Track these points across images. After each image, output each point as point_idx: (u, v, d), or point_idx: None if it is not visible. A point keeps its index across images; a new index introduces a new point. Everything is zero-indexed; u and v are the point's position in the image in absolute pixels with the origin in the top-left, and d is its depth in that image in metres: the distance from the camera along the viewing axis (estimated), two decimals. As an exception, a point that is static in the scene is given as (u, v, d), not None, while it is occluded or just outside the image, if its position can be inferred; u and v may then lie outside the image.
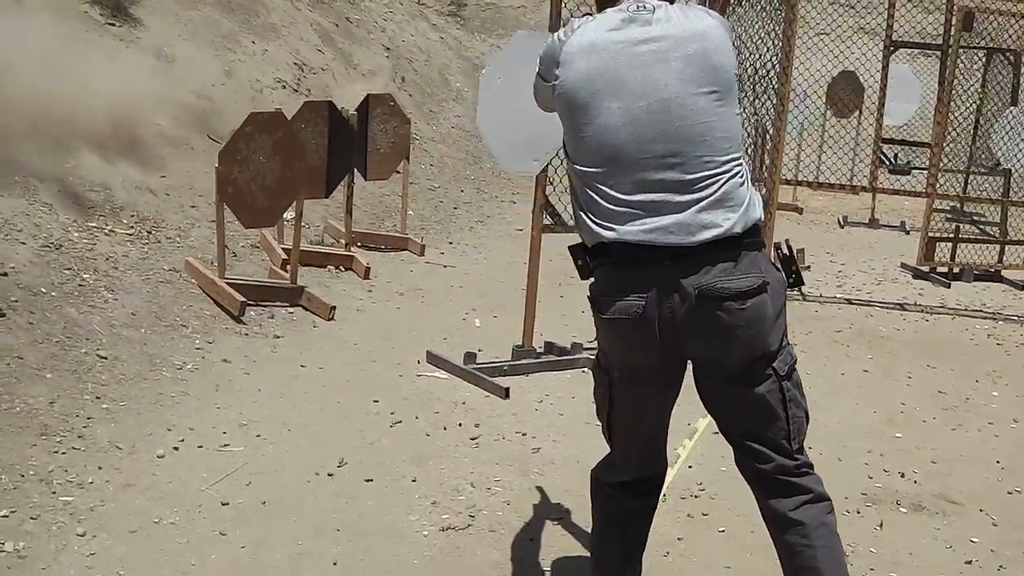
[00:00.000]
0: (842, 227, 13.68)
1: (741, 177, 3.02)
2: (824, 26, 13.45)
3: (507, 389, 5.94)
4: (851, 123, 14.77)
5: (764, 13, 7.29)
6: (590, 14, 3.24)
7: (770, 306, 3.04)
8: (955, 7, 8.90)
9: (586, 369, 6.51)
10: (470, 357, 6.28)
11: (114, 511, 4.29)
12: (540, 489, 4.83)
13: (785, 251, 3.19)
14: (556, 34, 3.19)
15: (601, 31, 3.04)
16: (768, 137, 8.23)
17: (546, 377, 6.40)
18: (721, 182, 2.97)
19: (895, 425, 6.09)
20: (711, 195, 2.96)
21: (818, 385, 6.68)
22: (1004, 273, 10.40)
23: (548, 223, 6.25)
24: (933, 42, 10.07)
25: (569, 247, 3.30)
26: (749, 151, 8.01)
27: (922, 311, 9.03)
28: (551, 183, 6.22)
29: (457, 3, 19.43)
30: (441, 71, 15.63)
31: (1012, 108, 10.13)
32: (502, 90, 5.91)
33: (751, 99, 7.65)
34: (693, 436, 5.56)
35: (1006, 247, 10.31)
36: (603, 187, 3.02)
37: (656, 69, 2.97)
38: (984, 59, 10.81)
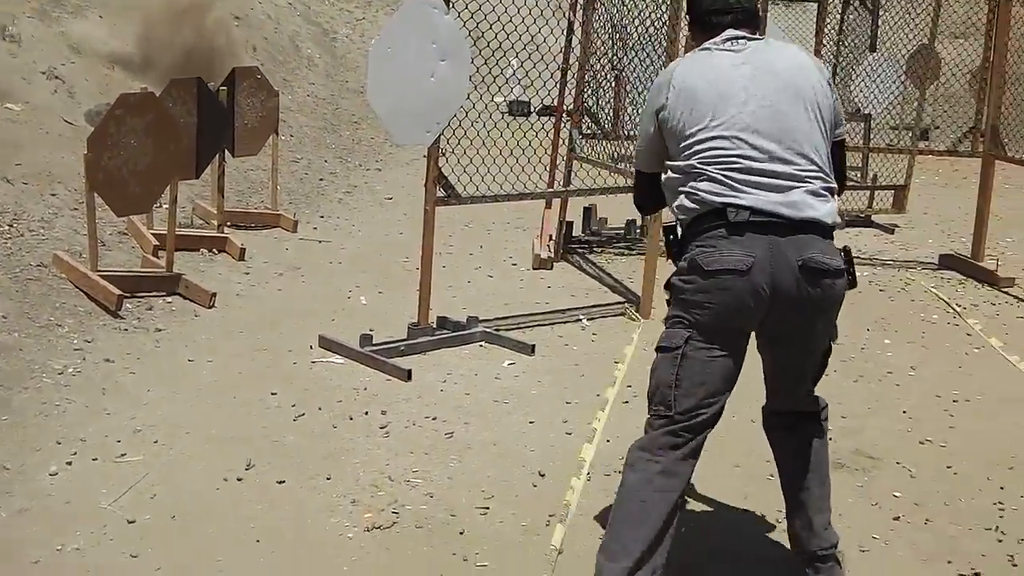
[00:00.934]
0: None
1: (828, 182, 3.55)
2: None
3: (409, 371, 5.72)
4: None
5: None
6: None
7: (843, 292, 3.53)
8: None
9: (483, 344, 6.35)
10: (366, 339, 6.04)
11: (10, 541, 3.95)
12: (461, 477, 4.64)
13: (843, 253, 3.57)
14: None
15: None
16: (633, 92, 8.15)
17: (445, 354, 6.20)
18: (820, 179, 3.51)
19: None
20: (812, 187, 3.47)
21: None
22: (874, 218, 10.50)
23: (442, 195, 6.02)
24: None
25: (663, 227, 3.77)
26: (608, 104, 7.91)
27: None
28: (443, 155, 5.99)
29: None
30: (292, 38, 15.18)
31: (870, 54, 10.17)
32: (393, 61, 5.67)
33: (615, 54, 7.54)
34: (605, 407, 5.43)
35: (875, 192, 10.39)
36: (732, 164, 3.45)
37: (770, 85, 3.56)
38: (841, 6, 10.86)
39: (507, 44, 6.61)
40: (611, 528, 3.53)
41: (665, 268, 8.14)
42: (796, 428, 3.85)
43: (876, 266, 9.00)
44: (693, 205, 3.47)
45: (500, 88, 10.93)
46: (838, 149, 3.72)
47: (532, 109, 11.97)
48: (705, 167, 3.46)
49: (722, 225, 3.39)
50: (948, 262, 9.11)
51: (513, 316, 6.90)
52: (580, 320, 6.93)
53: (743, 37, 3.63)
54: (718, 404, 3.53)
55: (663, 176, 3.66)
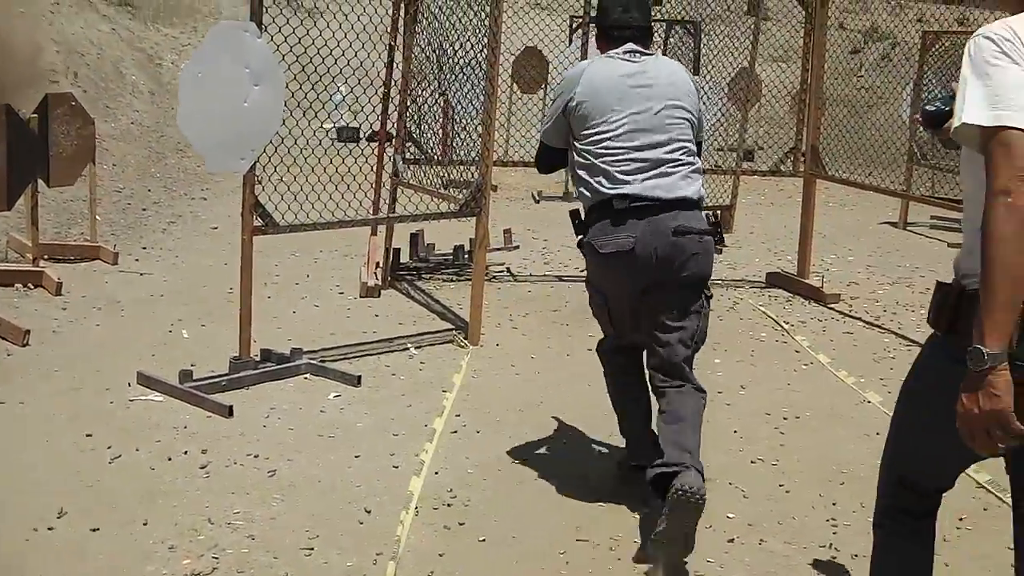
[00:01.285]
0: (537, 202, 13.75)
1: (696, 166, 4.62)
2: (507, 3, 13.52)
3: (230, 408, 5.57)
4: (536, 99, 14.92)
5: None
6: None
7: (712, 246, 4.52)
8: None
9: (308, 376, 6.23)
10: (186, 375, 5.86)
11: None
12: (285, 517, 4.51)
13: (712, 219, 4.77)
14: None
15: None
16: (457, 117, 8.11)
17: (268, 388, 6.06)
18: (690, 165, 4.57)
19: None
20: (683, 172, 4.52)
21: (547, 370, 6.63)
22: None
23: (259, 224, 5.88)
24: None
25: (569, 212, 4.70)
26: (435, 131, 7.87)
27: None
28: (259, 181, 5.86)
29: (126, -10, 18.55)
30: (115, 64, 14.80)
31: (695, 77, 10.35)
32: (204, 86, 5.52)
33: (440, 79, 7.51)
34: (433, 438, 5.37)
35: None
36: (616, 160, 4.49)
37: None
38: (664, 30, 11.06)
39: (335, 69, 6.52)
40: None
41: (491, 292, 8.20)
42: (662, 392, 4.58)
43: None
44: (589, 195, 4.51)
45: (329, 114, 10.88)
46: (698, 148, 4.72)
47: (362, 135, 11.85)
48: (599, 161, 4.48)
49: (609, 215, 4.42)
50: (775, 280, 9.31)
51: (339, 346, 6.79)
52: (408, 348, 6.86)
53: (639, 51, 4.67)
54: (633, 336, 4.72)
55: (573, 160, 4.65)
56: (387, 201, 8.04)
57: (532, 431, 5.58)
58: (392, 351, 6.81)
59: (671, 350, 4.50)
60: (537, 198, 13.82)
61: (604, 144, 4.48)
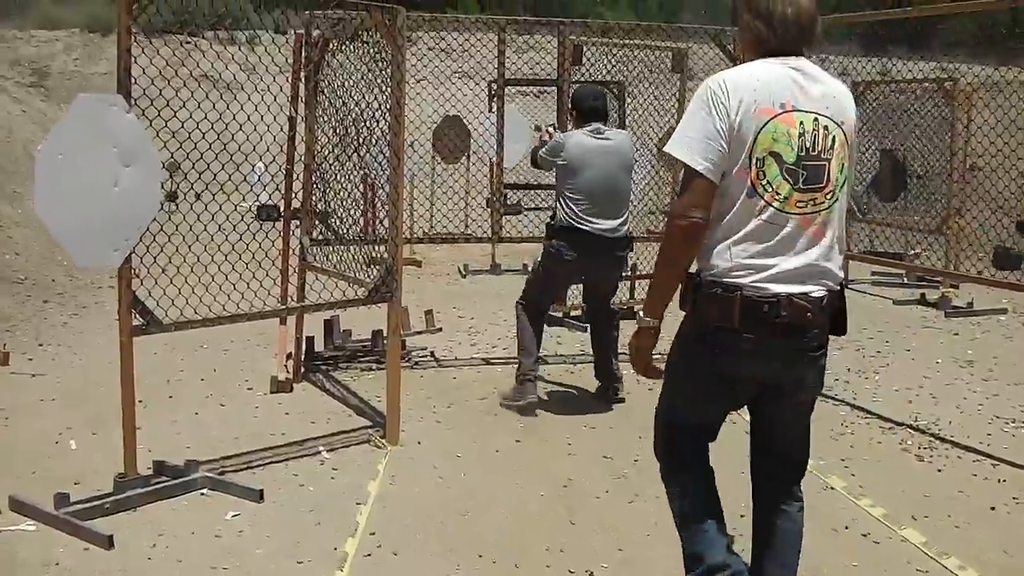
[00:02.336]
0: (464, 276, 13.17)
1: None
2: (425, 72, 12.99)
3: (110, 537, 4.82)
4: (460, 169, 14.39)
5: (365, 60, 6.53)
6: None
7: (627, 262, 7.81)
8: (565, 43, 8.45)
9: (206, 491, 5.51)
10: (63, 500, 5.11)
11: None
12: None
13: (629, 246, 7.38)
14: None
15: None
16: (376, 191, 7.47)
17: (159, 509, 5.31)
18: (627, 215, 7.27)
19: (568, 507, 5.42)
20: (623, 219, 7.18)
21: (472, 470, 5.97)
22: (638, 309, 10.10)
23: (139, 324, 5.19)
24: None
25: (547, 224, 7.42)
26: (347, 207, 7.22)
27: (564, 361, 8.53)
28: (138, 275, 5.17)
29: (39, 73, 17.83)
30: (25, 147, 14.07)
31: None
32: (66, 169, 4.82)
33: (355, 151, 6.88)
34: (344, 565, 4.67)
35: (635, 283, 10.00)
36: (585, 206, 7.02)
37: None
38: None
39: (246, 147, 5.90)
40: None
41: (413, 382, 7.54)
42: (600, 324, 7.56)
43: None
44: (564, 218, 7.04)
45: (249, 192, 10.21)
46: None
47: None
48: (573, 204, 7.00)
49: (571, 237, 7.03)
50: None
51: (243, 453, 6.08)
52: (319, 452, 6.15)
53: (601, 128, 7.13)
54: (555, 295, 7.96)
55: (560, 190, 7.13)
56: (296, 285, 7.38)
57: (457, 549, 4.90)
58: (302, 455, 6.10)
59: (608, 293, 7.56)
60: (464, 272, 13.24)
61: (575, 197, 6.99)
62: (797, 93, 3.46)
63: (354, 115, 6.75)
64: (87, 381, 7.60)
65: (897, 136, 12.25)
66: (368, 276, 6.43)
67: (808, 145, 3.43)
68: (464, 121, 13.00)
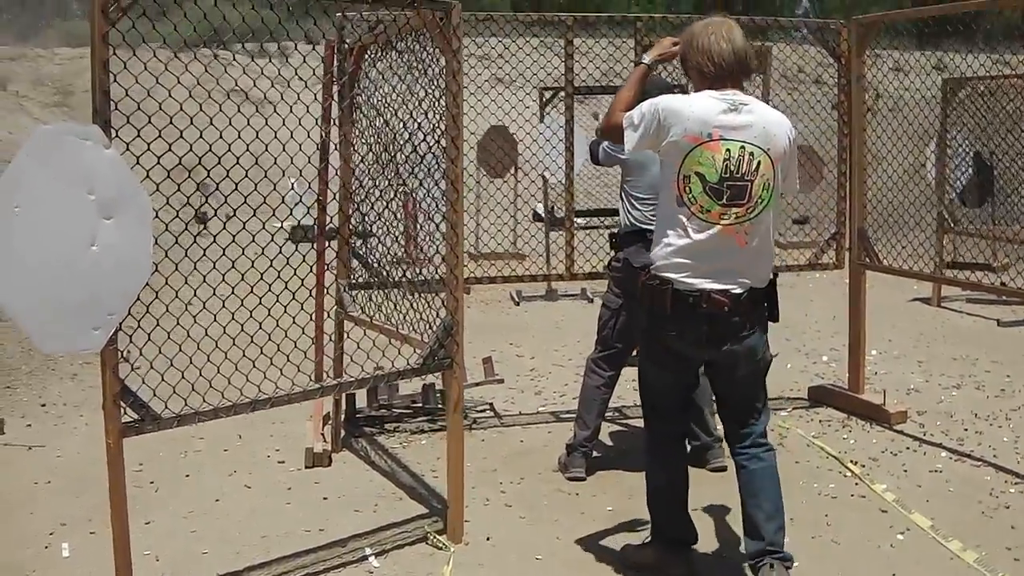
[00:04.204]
0: (517, 304, 12.02)
1: None
2: (464, 79, 11.77)
3: None
4: (507, 183, 13.28)
5: (411, 69, 5.37)
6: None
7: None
8: (643, 43, 7.22)
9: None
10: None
11: None
12: None
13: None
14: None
15: None
16: (425, 211, 6.36)
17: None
18: None
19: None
20: None
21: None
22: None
23: (130, 421, 4.01)
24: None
25: (610, 234, 6.25)
26: (399, 230, 6.04)
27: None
28: (126, 359, 3.99)
29: (63, 92, 16.90)
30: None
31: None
32: (23, 224, 3.62)
33: (402, 171, 5.69)
34: None
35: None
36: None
37: None
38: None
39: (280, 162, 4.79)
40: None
41: (474, 446, 6.38)
42: None
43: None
44: (629, 222, 5.92)
45: (289, 213, 9.07)
46: None
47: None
48: (640, 205, 5.87)
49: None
50: (822, 396, 7.58)
51: (271, 562, 4.90)
52: (367, 557, 4.95)
53: None
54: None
55: (625, 189, 6.02)
56: (333, 341, 6.21)
57: None
58: (346, 563, 4.90)
59: None
60: (517, 300, 12.09)
61: (642, 190, 5.84)
62: (726, 124, 4.17)
63: (396, 133, 5.58)
64: (92, 457, 6.38)
65: (991, 136, 10.99)
66: (419, 327, 5.25)
67: (733, 168, 4.17)
68: (510, 131, 11.85)
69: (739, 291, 4.23)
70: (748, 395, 4.55)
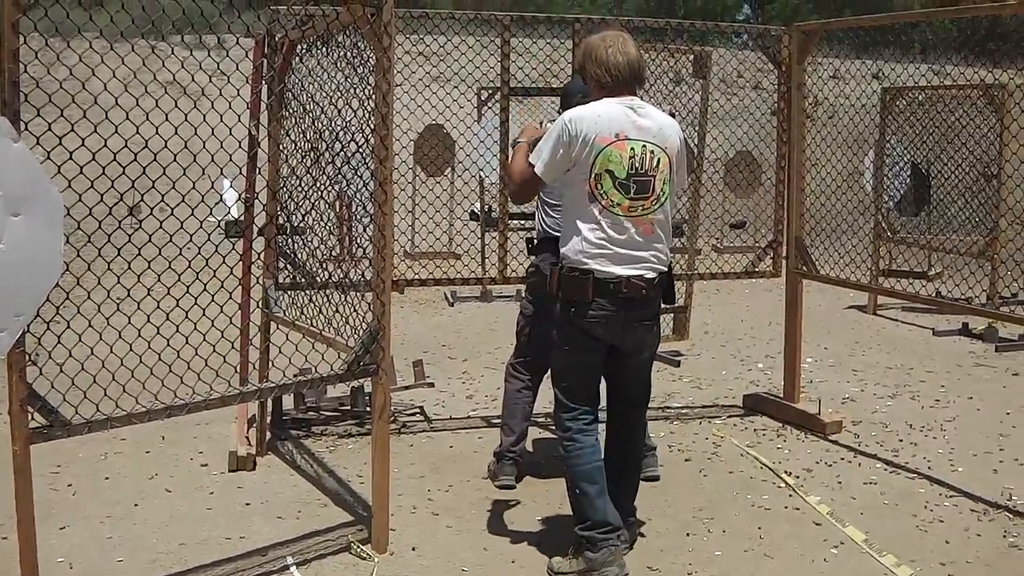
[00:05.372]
0: (451, 304, 11.89)
1: None
2: (398, 77, 11.61)
3: None
4: (442, 183, 13.12)
5: (340, 64, 5.22)
6: None
7: None
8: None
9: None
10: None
11: None
12: None
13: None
14: None
15: None
16: (354, 211, 6.21)
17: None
18: None
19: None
20: None
21: None
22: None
23: (39, 427, 3.84)
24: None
25: (526, 240, 6.13)
26: (327, 226, 5.87)
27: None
28: (32, 359, 3.82)
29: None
30: None
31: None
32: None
33: (329, 170, 5.55)
34: None
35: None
36: None
37: None
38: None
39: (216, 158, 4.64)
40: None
41: (402, 451, 6.24)
42: None
43: (671, 419, 7.26)
44: (544, 229, 5.87)
45: (215, 208, 8.91)
46: None
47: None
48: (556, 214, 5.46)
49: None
50: (756, 404, 7.55)
51: (188, 572, 4.73)
52: (288, 567, 4.80)
53: None
54: None
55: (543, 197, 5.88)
56: (258, 347, 6.04)
57: None
58: (264, 574, 4.74)
59: None
60: (451, 300, 11.96)
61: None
62: (630, 126, 4.58)
63: (326, 129, 5.43)
64: (4, 460, 6.19)
65: (930, 147, 11.00)
66: (345, 331, 5.10)
67: (638, 165, 4.57)
68: (446, 130, 11.71)
69: (652, 276, 4.66)
70: (643, 376, 5.03)
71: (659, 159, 4.62)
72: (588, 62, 4.72)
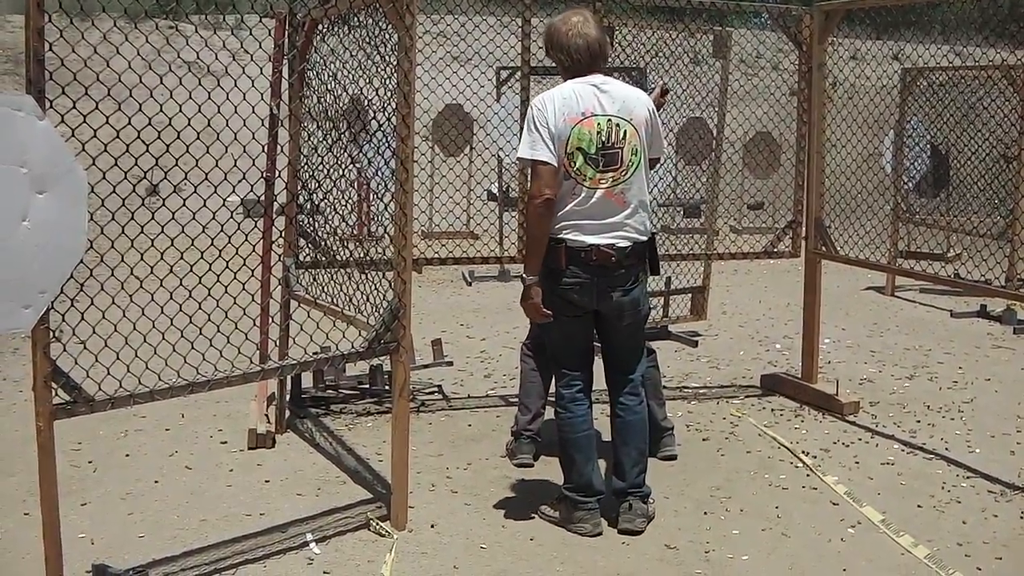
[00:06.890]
0: (469, 284, 11.90)
1: None
2: (419, 57, 11.58)
3: None
4: (461, 162, 13.14)
5: (360, 43, 5.23)
6: None
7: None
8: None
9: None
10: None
11: None
12: None
13: None
14: None
15: None
16: (375, 189, 6.24)
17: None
18: None
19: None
20: None
21: (504, 567, 4.67)
22: (672, 328, 8.82)
23: (63, 402, 3.88)
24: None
25: None
26: (348, 205, 5.89)
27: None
28: (57, 336, 3.86)
29: (15, 60, 16.56)
30: None
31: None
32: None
33: (351, 149, 5.57)
34: None
35: (669, 298, 8.70)
36: None
37: None
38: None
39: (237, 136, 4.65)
40: None
41: (421, 430, 6.28)
42: None
43: (689, 399, 7.27)
44: None
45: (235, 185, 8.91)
46: None
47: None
48: None
49: None
50: (774, 384, 7.55)
51: (210, 547, 4.77)
52: (307, 543, 4.84)
53: None
54: None
55: None
56: (279, 324, 6.07)
57: None
58: (285, 549, 4.78)
59: None
60: (469, 280, 11.98)
61: None
62: (595, 103, 4.83)
63: (347, 110, 5.45)
64: (29, 435, 6.19)
65: (950, 128, 10.96)
66: (366, 308, 5.13)
67: (605, 139, 4.81)
68: (465, 110, 11.70)
69: (623, 244, 4.88)
70: (631, 344, 5.22)
71: (625, 131, 4.84)
72: (550, 47, 4.99)
